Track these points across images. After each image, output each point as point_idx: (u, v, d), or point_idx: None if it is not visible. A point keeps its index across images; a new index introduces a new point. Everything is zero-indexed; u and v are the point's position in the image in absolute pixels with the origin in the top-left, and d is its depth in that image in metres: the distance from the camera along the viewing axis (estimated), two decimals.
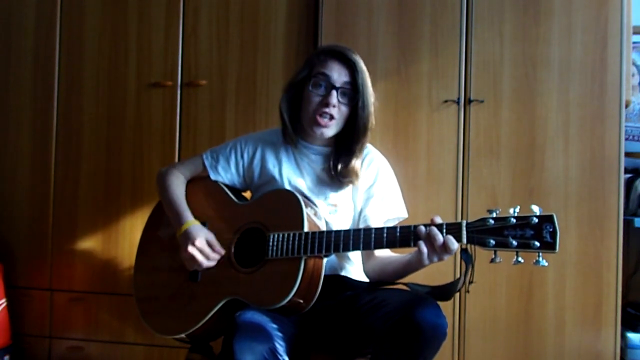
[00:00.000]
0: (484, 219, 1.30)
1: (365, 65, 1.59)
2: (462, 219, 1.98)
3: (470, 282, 1.35)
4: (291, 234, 1.44)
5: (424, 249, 1.33)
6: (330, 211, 1.60)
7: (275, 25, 2.24)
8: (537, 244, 1.24)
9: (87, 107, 2.38)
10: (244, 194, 1.75)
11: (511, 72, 2.02)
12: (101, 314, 2.34)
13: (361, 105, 1.56)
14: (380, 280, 1.59)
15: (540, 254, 1.25)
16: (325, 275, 1.45)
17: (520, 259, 1.27)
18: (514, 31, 2.02)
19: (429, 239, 1.33)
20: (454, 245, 1.31)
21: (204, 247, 1.50)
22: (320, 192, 1.61)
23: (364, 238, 1.40)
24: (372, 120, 1.60)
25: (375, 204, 1.63)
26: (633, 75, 2.51)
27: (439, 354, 1.36)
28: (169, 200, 1.64)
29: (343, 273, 1.59)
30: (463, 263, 1.36)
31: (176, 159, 2.28)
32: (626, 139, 2.33)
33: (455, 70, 2.05)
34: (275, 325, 1.37)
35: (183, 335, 1.55)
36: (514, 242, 1.26)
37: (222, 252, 1.52)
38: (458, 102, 2.04)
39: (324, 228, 1.52)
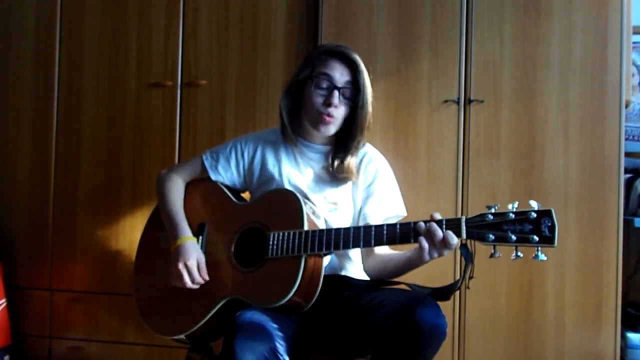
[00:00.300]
0: (483, 215, 1.30)
1: (365, 65, 1.61)
2: None
3: (470, 278, 1.36)
4: (291, 233, 1.44)
5: (425, 245, 1.34)
6: (330, 209, 1.60)
7: (275, 25, 2.24)
8: (536, 238, 1.25)
9: (87, 107, 2.38)
10: (242, 195, 1.75)
11: (511, 72, 2.02)
12: (101, 314, 2.34)
13: (361, 105, 1.58)
14: (381, 278, 1.59)
15: (539, 248, 1.26)
16: (325, 275, 1.45)
17: (519, 253, 1.28)
18: (514, 31, 2.02)
19: (429, 235, 1.33)
20: (454, 240, 1.32)
21: (192, 269, 1.51)
22: (320, 190, 1.62)
23: (364, 235, 1.40)
24: (370, 119, 1.62)
25: (374, 202, 1.64)
26: (633, 75, 2.51)
27: (439, 354, 1.36)
28: (166, 210, 1.64)
29: (343, 273, 1.59)
30: (463, 262, 1.37)
31: (176, 159, 2.29)
32: (626, 139, 2.32)
33: (455, 70, 2.05)
34: (275, 325, 1.37)
35: (183, 337, 1.55)
36: (513, 237, 1.26)
37: (207, 278, 1.52)
38: (458, 102, 2.04)
39: (323, 227, 1.52)
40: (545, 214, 1.25)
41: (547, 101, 2.00)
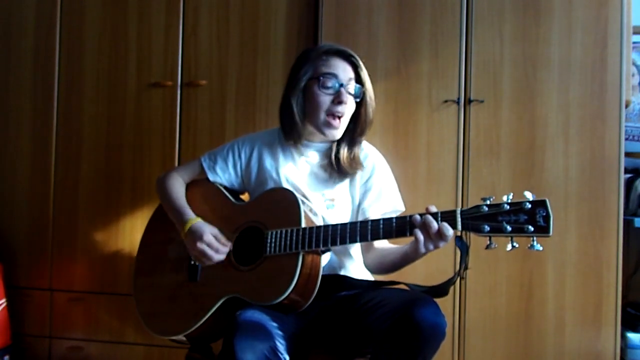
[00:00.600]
0: (478, 206, 1.31)
1: (364, 65, 1.63)
2: None
3: (466, 269, 1.36)
4: (288, 230, 1.45)
5: (420, 237, 1.34)
6: (328, 206, 1.61)
7: (275, 25, 2.24)
8: (531, 228, 1.25)
9: (87, 107, 2.38)
10: (241, 196, 1.75)
11: (511, 72, 2.03)
12: (101, 314, 2.34)
13: (367, 99, 1.62)
14: (381, 272, 1.61)
15: (535, 238, 1.26)
16: (325, 275, 1.46)
17: (515, 244, 1.28)
18: (514, 31, 2.02)
19: (425, 227, 1.34)
20: (449, 231, 1.32)
21: (212, 242, 1.51)
22: (317, 188, 1.63)
23: (360, 230, 1.41)
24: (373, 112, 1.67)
25: (372, 197, 1.65)
26: (633, 75, 2.51)
27: (439, 354, 1.36)
28: (170, 202, 1.65)
29: (343, 272, 1.60)
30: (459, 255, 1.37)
31: (176, 159, 2.29)
32: (626, 139, 2.33)
33: (455, 70, 2.05)
34: (275, 324, 1.38)
35: (182, 337, 1.55)
36: (508, 227, 1.26)
37: (229, 244, 1.53)
38: (458, 102, 2.04)
39: (320, 224, 1.52)
40: (539, 204, 1.25)
41: (547, 101, 2.00)
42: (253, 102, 2.24)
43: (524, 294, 2.00)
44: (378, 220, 1.41)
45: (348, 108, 1.59)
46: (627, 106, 2.15)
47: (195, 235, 1.52)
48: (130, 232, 2.31)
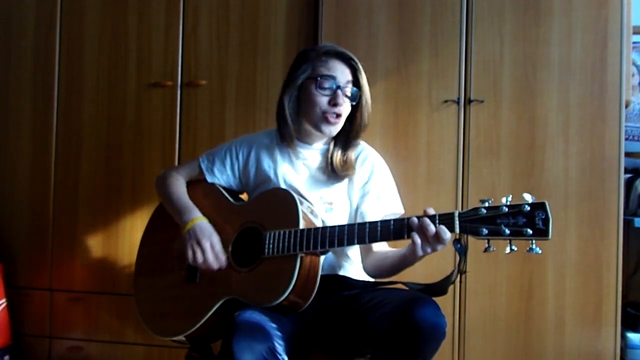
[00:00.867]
0: (477, 209, 1.29)
1: (364, 66, 1.63)
2: None
3: (464, 272, 1.35)
4: (287, 232, 1.44)
5: (417, 240, 1.33)
6: (327, 209, 1.60)
7: (275, 25, 2.24)
8: (530, 231, 1.23)
9: (87, 107, 2.38)
10: (241, 196, 1.75)
11: (511, 72, 2.02)
12: (101, 314, 2.34)
13: (363, 103, 1.62)
14: (380, 275, 1.60)
15: (534, 241, 1.24)
16: (323, 275, 1.45)
17: (513, 247, 1.26)
18: (514, 31, 2.02)
19: (422, 230, 1.33)
20: (447, 235, 1.31)
21: (216, 244, 1.52)
22: (315, 190, 1.62)
23: (358, 232, 1.40)
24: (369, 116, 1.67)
25: (371, 200, 1.64)
26: (633, 75, 2.51)
27: (439, 354, 1.36)
28: (172, 198, 1.65)
29: (342, 272, 1.59)
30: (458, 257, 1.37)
31: (176, 159, 2.29)
32: (626, 139, 2.33)
33: (455, 70, 2.05)
34: (274, 325, 1.37)
35: (182, 338, 1.55)
36: (507, 230, 1.25)
37: (223, 257, 1.52)
38: (458, 102, 2.04)
39: (320, 225, 1.52)
40: (539, 206, 1.24)
41: (547, 101, 2.00)
42: (253, 102, 2.24)
43: (524, 294, 2.00)
44: (376, 222, 1.40)
45: (344, 110, 1.59)
46: (627, 106, 2.15)
47: (204, 233, 1.52)
48: (130, 232, 2.31)
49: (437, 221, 1.33)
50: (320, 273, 1.44)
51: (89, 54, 2.38)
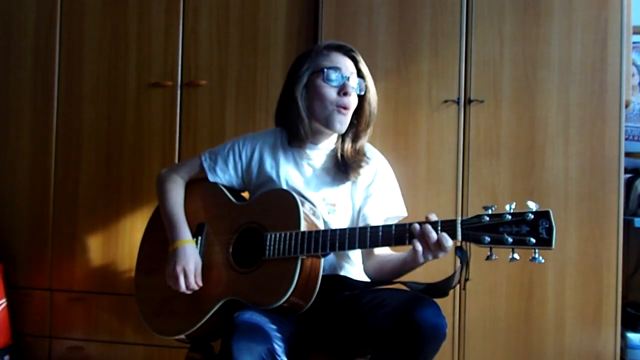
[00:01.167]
0: (479, 216, 1.28)
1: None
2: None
3: (466, 280, 1.34)
4: (287, 234, 1.43)
5: (419, 247, 1.32)
6: (329, 211, 1.59)
7: (275, 25, 2.24)
8: (533, 240, 1.22)
9: (87, 107, 2.38)
10: (243, 194, 1.75)
11: (511, 72, 2.02)
12: (101, 314, 2.34)
13: (369, 92, 1.62)
14: (380, 279, 1.59)
15: (537, 250, 1.23)
16: (324, 275, 1.45)
17: (516, 255, 1.25)
18: (514, 31, 2.02)
19: (423, 237, 1.32)
20: (449, 242, 1.30)
21: (189, 274, 1.51)
22: (318, 191, 1.61)
23: (359, 236, 1.39)
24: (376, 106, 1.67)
25: (374, 202, 1.63)
26: (633, 75, 2.51)
27: (439, 354, 1.35)
28: (167, 211, 1.64)
29: (343, 272, 1.59)
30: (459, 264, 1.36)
31: (176, 159, 2.28)
32: (626, 139, 2.33)
33: (455, 70, 2.05)
34: (274, 326, 1.37)
35: (183, 336, 1.55)
36: (510, 239, 1.23)
37: (201, 284, 1.53)
38: (458, 102, 2.04)
39: (322, 227, 1.51)
40: (542, 215, 1.22)
41: (547, 101, 2.00)
42: (253, 102, 2.24)
43: (524, 294, 2.00)
44: (378, 227, 1.39)
45: (353, 101, 1.59)
46: (627, 106, 2.15)
47: (179, 258, 1.52)
48: (130, 232, 2.31)
49: (439, 228, 1.31)
50: (321, 274, 1.44)
51: (89, 54, 2.38)
